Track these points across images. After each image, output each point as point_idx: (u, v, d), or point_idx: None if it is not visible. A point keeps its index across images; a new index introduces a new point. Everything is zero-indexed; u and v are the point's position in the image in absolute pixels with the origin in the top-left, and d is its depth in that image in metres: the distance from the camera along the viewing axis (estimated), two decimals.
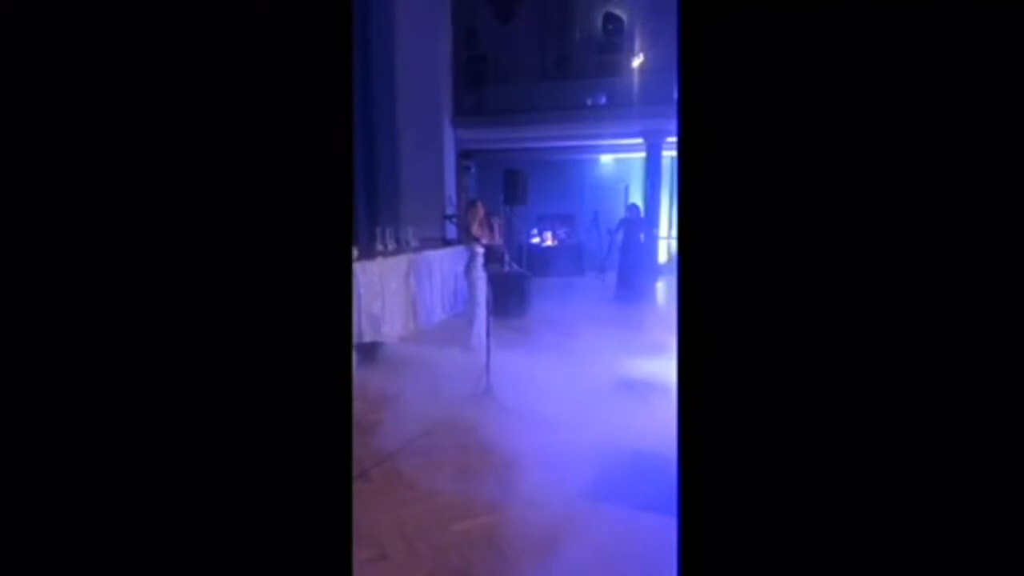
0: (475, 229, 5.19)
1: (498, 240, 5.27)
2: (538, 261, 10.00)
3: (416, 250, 6.23)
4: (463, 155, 9.88)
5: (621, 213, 8.78)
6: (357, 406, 3.43)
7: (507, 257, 5.16)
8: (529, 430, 3.46)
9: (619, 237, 8.02)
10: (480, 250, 5.25)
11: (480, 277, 5.26)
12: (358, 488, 2.76)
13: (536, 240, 11.24)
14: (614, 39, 8.01)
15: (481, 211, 5.34)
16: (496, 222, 5.39)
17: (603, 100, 7.92)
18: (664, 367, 4.12)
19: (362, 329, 5.00)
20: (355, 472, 2.92)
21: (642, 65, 7.03)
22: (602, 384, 4.24)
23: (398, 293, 5.66)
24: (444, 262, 6.56)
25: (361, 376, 4.53)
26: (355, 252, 5.13)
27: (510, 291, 6.86)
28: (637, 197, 9.81)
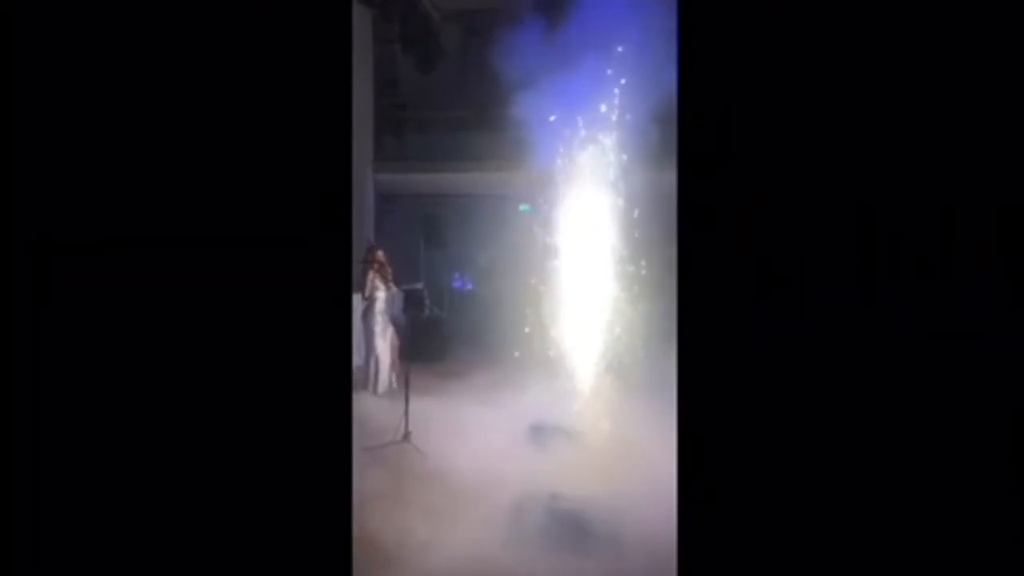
0: (370, 275, 5.19)
1: (392, 287, 5.30)
2: (462, 305, 10.00)
3: None
4: (384, 199, 9.86)
5: None
6: None
7: (427, 301, 5.15)
8: (446, 476, 3.43)
9: None
10: (380, 295, 5.24)
11: (378, 323, 5.23)
12: None
13: (458, 284, 11.26)
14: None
15: (378, 256, 5.36)
16: (389, 269, 5.41)
17: (521, 151, 8.19)
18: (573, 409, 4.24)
19: None
20: None
21: (557, 120, 7.36)
22: (518, 428, 4.28)
23: None
24: (356, 307, 6.47)
25: None
26: None
27: (430, 335, 6.83)
28: None
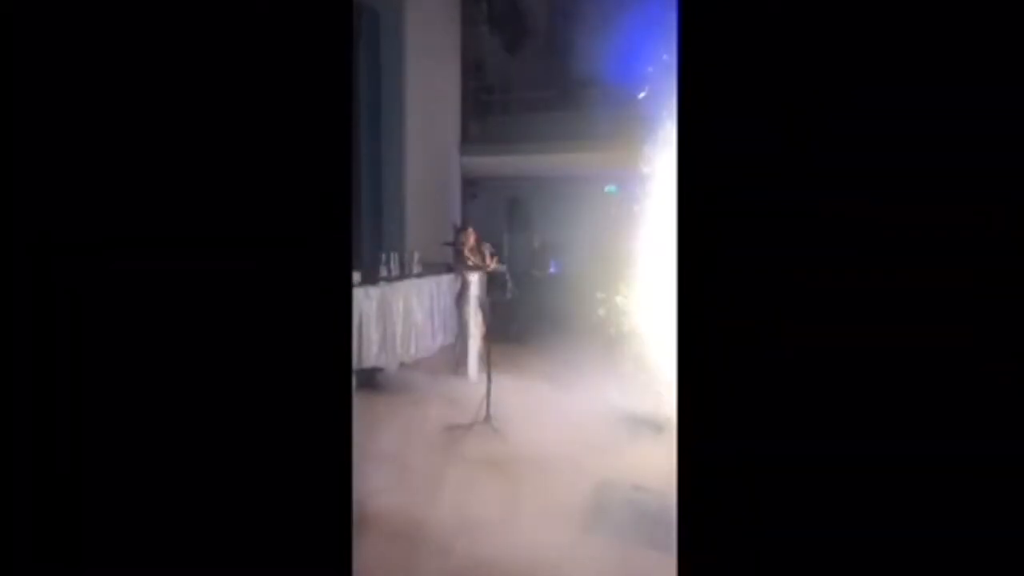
0: (466, 255, 5.18)
1: (490, 267, 5.26)
2: (543, 288, 9.97)
3: (419, 276, 6.23)
4: (468, 183, 9.96)
5: None
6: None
7: (510, 284, 5.14)
8: (525, 460, 3.42)
9: None
10: (473, 278, 5.22)
11: (471, 304, 5.23)
12: None
13: (548, 269, 11.21)
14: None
15: (472, 237, 5.33)
16: (487, 249, 5.37)
17: (607, 132, 8.01)
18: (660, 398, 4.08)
19: (362, 355, 4.99)
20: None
21: (646, 98, 7.13)
22: (602, 416, 4.19)
23: (399, 319, 5.65)
24: (444, 288, 6.56)
25: (360, 402, 4.49)
26: (358, 277, 5.13)
27: (512, 318, 6.84)
28: None
